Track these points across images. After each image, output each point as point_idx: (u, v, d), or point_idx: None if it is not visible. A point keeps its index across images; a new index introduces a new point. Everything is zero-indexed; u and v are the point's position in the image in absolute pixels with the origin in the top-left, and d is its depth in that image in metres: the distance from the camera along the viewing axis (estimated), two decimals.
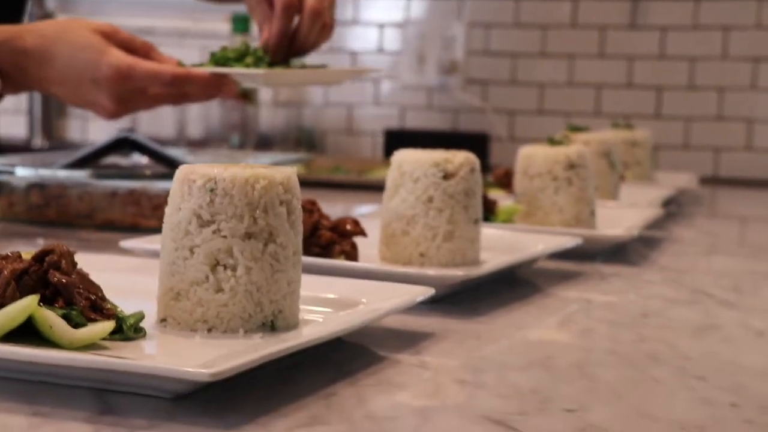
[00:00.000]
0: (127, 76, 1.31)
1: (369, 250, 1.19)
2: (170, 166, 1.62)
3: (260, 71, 1.31)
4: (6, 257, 0.79)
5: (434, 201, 1.14)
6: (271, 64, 1.37)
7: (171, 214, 0.84)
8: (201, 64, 1.35)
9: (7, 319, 0.73)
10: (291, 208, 0.84)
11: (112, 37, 1.35)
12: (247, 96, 2.88)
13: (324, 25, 1.41)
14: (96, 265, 0.87)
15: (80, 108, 1.42)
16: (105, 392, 0.71)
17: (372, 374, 0.80)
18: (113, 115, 1.36)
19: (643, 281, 1.28)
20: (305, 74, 1.40)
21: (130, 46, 1.36)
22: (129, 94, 1.33)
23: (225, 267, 0.81)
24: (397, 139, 2.84)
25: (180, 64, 1.34)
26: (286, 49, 1.40)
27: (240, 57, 1.36)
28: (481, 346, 0.92)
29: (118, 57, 1.32)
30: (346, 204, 1.96)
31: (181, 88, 1.31)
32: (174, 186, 0.84)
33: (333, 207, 1.48)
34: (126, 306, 0.82)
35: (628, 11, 2.79)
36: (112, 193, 1.46)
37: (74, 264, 0.81)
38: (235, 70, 1.31)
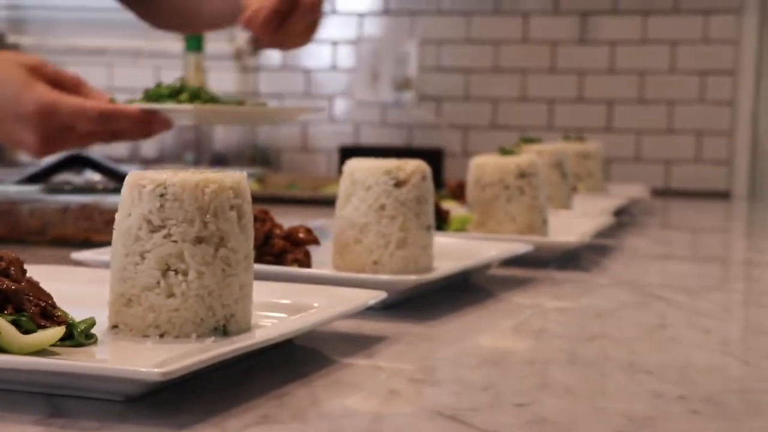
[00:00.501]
0: (51, 111, 1.24)
1: (322, 259, 1.20)
2: (121, 181, 1.61)
3: (189, 107, 1.25)
4: None
5: (386, 209, 1.14)
6: (256, 46, 1.40)
7: (121, 220, 0.84)
8: (132, 101, 1.29)
9: None
10: (241, 213, 0.84)
11: (38, 72, 1.27)
12: None
13: (313, 22, 1.39)
14: (47, 276, 0.86)
15: (7, 144, 1.37)
16: (55, 397, 0.70)
17: (325, 376, 0.80)
18: (39, 153, 1.29)
19: (596, 286, 1.29)
20: (239, 112, 1.33)
21: (58, 81, 1.28)
22: (55, 131, 1.25)
23: (176, 272, 0.81)
24: (351, 156, 2.84)
25: (112, 100, 1.28)
26: (272, 35, 1.35)
27: (174, 93, 1.29)
28: (434, 349, 0.93)
29: (42, 92, 1.24)
30: (301, 219, 1.95)
31: (109, 125, 1.24)
32: (124, 192, 0.84)
33: (288, 222, 1.49)
34: (78, 315, 0.81)
35: (578, 27, 2.82)
36: (64, 209, 1.45)
37: (24, 271, 0.80)
38: (165, 106, 1.25)
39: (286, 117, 1.45)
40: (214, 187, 0.82)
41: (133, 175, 0.84)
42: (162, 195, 0.82)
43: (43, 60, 1.31)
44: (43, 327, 0.77)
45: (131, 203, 0.83)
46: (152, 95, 1.30)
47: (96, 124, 1.23)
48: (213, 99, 1.31)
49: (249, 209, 0.85)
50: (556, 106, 2.85)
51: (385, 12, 2.95)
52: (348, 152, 2.90)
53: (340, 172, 2.95)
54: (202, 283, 0.81)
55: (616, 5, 2.79)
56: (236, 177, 0.85)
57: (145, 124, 1.25)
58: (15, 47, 3.24)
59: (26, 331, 0.75)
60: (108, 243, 1.39)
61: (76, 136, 1.27)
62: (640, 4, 2.77)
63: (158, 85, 1.32)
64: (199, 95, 1.29)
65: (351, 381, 0.80)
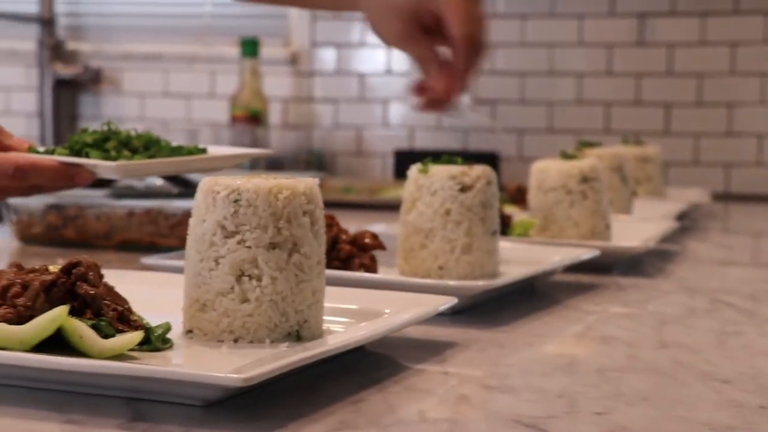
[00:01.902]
0: None
1: (388, 264, 1.20)
2: (185, 186, 1.63)
3: (112, 164, 1.12)
4: (34, 270, 0.80)
5: (452, 214, 1.14)
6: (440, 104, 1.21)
7: (195, 226, 0.85)
8: (53, 151, 1.16)
9: (37, 329, 0.73)
10: (314, 218, 0.85)
11: None
12: (257, 118, 2.89)
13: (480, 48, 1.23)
14: (120, 280, 0.87)
15: None
16: (135, 401, 0.71)
17: (398, 382, 0.80)
18: None
19: (661, 292, 1.28)
20: (168, 164, 1.18)
21: None
22: None
23: (250, 277, 0.82)
24: (407, 160, 2.84)
25: (32, 149, 1.16)
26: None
27: (100, 142, 1.17)
28: (505, 355, 0.92)
29: None
30: (359, 224, 1.96)
31: (26, 181, 1.12)
32: (198, 198, 0.85)
33: (346, 227, 1.49)
34: (151, 319, 0.82)
35: (635, 29, 2.80)
36: (130, 213, 1.46)
37: (101, 276, 0.81)
38: (85, 161, 1.13)
39: (224, 165, 1.27)
40: (288, 193, 0.83)
41: (208, 181, 0.85)
42: (236, 201, 0.82)
43: None
44: (121, 331, 0.78)
45: (205, 209, 0.84)
46: (75, 144, 1.16)
47: (11, 179, 1.12)
48: (149, 144, 1.19)
49: (321, 215, 0.86)
50: (612, 109, 2.83)
51: None
52: (403, 156, 2.90)
53: (396, 176, 2.94)
54: (275, 288, 0.82)
55: (674, 6, 2.77)
56: (309, 183, 0.85)
57: (65, 178, 1.14)
58: (74, 54, 3.28)
59: (105, 336, 0.76)
60: (173, 247, 1.41)
61: None
62: (699, 5, 2.74)
63: (83, 131, 1.18)
64: (128, 143, 1.17)
65: (424, 387, 0.80)
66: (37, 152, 1.14)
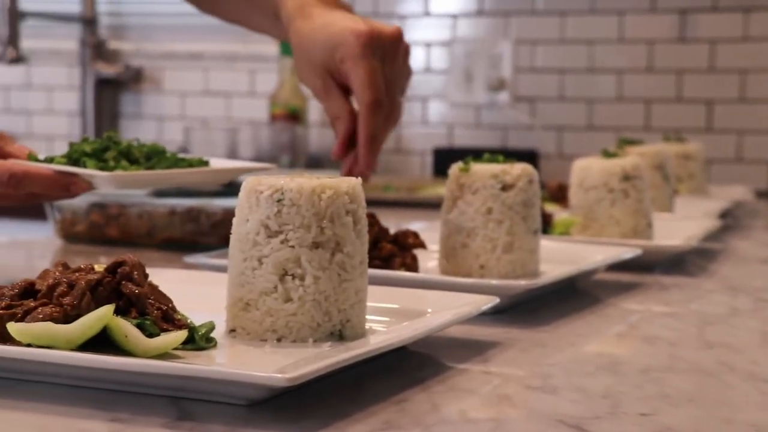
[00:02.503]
0: None
1: (428, 262, 1.20)
2: (226, 184, 1.63)
3: (107, 174, 1.09)
4: (80, 269, 0.81)
5: (493, 212, 1.14)
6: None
7: (239, 225, 0.85)
8: (52, 159, 1.14)
9: (84, 328, 0.74)
10: (357, 218, 0.85)
11: None
12: (297, 116, 2.90)
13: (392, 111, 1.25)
14: (164, 278, 0.88)
15: None
16: (180, 400, 0.71)
17: (441, 381, 0.80)
18: None
19: (704, 291, 1.27)
20: (170, 176, 1.16)
21: None
22: None
23: (293, 277, 0.82)
24: (446, 158, 2.84)
25: (31, 156, 1.13)
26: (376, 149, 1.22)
27: (99, 152, 1.14)
28: (547, 355, 0.92)
29: None
30: (398, 221, 1.96)
31: (22, 188, 1.11)
32: (241, 197, 0.85)
33: (385, 224, 1.49)
34: (194, 317, 0.83)
35: (676, 25, 2.78)
36: (171, 211, 1.47)
37: (146, 275, 0.82)
38: (81, 170, 1.11)
39: (224, 178, 1.26)
40: (331, 193, 0.83)
41: (251, 180, 0.85)
42: (279, 200, 0.83)
43: None
44: (165, 330, 0.79)
45: (249, 209, 0.84)
46: (73, 153, 1.14)
47: (6, 187, 1.10)
48: (150, 154, 1.17)
49: (364, 214, 0.86)
50: (653, 106, 2.80)
51: (479, 13, 2.94)
52: (442, 154, 2.90)
53: (434, 174, 2.93)
54: (318, 288, 0.82)
55: (717, 2, 2.74)
56: (352, 182, 0.85)
57: (61, 187, 1.12)
58: (116, 53, 3.31)
59: (150, 335, 0.77)
60: (215, 246, 1.42)
61: None
62: (741, 1, 2.72)
63: (84, 140, 1.16)
64: (128, 153, 1.15)
65: (467, 387, 0.80)
66: (37, 160, 1.12)
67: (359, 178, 0.87)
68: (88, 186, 1.12)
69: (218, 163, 1.23)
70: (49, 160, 1.13)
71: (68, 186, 1.11)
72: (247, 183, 0.85)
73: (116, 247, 1.48)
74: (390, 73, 1.23)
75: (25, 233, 1.64)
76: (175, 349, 0.77)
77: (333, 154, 1.25)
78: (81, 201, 1.51)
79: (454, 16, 2.97)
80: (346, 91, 1.24)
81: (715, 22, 2.75)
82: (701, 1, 2.75)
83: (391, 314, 0.91)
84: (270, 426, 0.68)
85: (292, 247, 0.82)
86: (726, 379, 0.84)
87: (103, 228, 1.50)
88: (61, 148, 1.16)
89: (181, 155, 1.19)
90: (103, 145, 1.14)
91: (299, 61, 1.26)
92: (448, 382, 0.80)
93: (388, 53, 1.22)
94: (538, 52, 2.90)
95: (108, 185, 1.12)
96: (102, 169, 1.10)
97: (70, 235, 1.53)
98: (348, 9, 1.30)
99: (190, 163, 1.18)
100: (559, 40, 2.88)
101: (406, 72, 1.29)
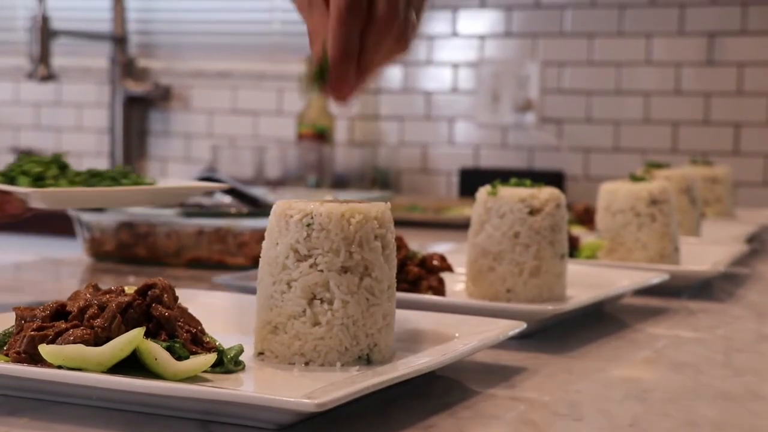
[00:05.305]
0: None
1: (455, 285, 1.20)
2: (252, 204, 1.65)
3: (37, 191, 1.06)
4: (110, 291, 0.82)
5: (521, 236, 1.14)
6: (323, 86, 0.92)
7: (268, 249, 0.86)
8: None
9: (114, 351, 0.75)
10: (385, 243, 0.85)
11: None
12: (324, 135, 2.91)
13: (398, 39, 0.94)
14: (192, 300, 0.89)
15: None
16: (208, 423, 0.72)
17: (468, 407, 0.80)
18: None
19: (732, 317, 1.26)
20: (105, 194, 1.12)
21: None
22: None
23: (322, 301, 0.83)
24: (472, 178, 2.85)
25: None
26: (348, 66, 0.91)
27: (40, 171, 1.11)
28: (574, 381, 0.92)
29: None
30: (424, 242, 1.96)
31: None
32: (271, 221, 0.86)
33: (410, 245, 1.49)
34: (222, 340, 0.83)
35: (705, 48, 2.77)
36: (199, 232, 1.48)
37: (176, 298, 0.83)
38: (12, 188, 1.08)
39: (166, 199, 1.21)
40: (360, 218, 0.83)
41: (281, 204, 0.86)
42: (309, 225, 0.83)
43: None
44: (194, 353, 0.79)
45: (279, 232, 0.85)
46: (10, 171, 1.12)
47: None
48: (95, 174, 1.14)
49: (392, 239, 0.86)
50: (680, 128, 2.80)
51: (507, 34, 2.95)
52: (468, 174, 2.90)
53: (460, 194, 2.93)
54: (347, 312, 0.83)
55: (745, 25, 2.73)
56: (381, 207, 0.86)
57: None
58: (145, 71, 3.33)
59: (179, 357, 0.77)
60: (242, 266, 1.43)
61: None
62: None
63: (25, 157, 1.15)
64: (65, 169, 1.12)
65: (494, 413, 0.80)
66: None
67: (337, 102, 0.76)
68: (22, 204, 1.08)
69: (166, 182, 1.19)
70: None
71: (2, 204, 1.09)
72: (278, 207, 0.86)
73: (144, 266, 1.49)
74: None
75: (54, 251, 1.66)
76: (204, 371, 0.78)
77: (306, 80, 0.96)
78: (110, 220, 1.52)
79: (482, 37, 2.98)
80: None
81: (743, 46, 2.74)
82: (729, 24, 2.74)
83: (418, 338, 0.92)
84: None
85: (321, 271, 0.83)
86: (752, 407, 0.83)
87: (131, 247, 1.52)
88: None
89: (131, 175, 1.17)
90: (45, 164, 1.12)
91: None
92: (474, 408, 0.80)
93: None
94: (565, 74, 2.90)
95: (40, 203, 1.09)
96: (35, 187, 1.08)
97: (98, 253, 1.54)
98: None
99: (134, 182, 1.15)
100: (587, 62, 2.88)
101: None
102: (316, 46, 0.95)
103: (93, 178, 1.14)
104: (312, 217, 0.83)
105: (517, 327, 0.93)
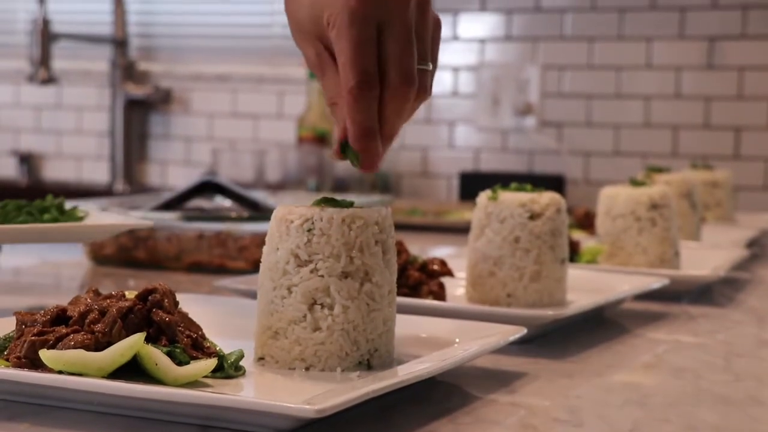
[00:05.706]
0: None
1: (455, 290, 1.20)
2: (253, 208, 1.65)
3: None
4: (111, 296, 0.82)
5: (521, 241, 1.14)
6: (351, 158, 0.88)
7: (269, 254, 0.86)
8: None
9: (115, 356, 0.75)
10: (386, 248, 0.85)
11: None
12: (324, 139, 2.91)
13: (418, 95, 0.89)
14: (192, 305, 0.89)
15: None
16: (209, 428, 0.72)
17: (468, 413, 0.80)
18: None
19: (732, 321, 1.26)
20: (29, 231, 1.10)
21: None
22: None
23: (322, 306, 0.83)
24: (472, 182, 2.85)
25: None
26: (373, 142, 0.87)
27: None
28: (574, 386, 0.92)
29: None
30: (424, 246, 1.96)
31: None
32: (271, 226, 0.86)
33: (411, 249, 1.49)
34: (222, 345, 0.83)
35: (705, 52, 2.77)
36: (199, 235, 1.48)
37: (176, 303, 0.83)
38: None
39: (97, 235, 1.19)
40: (360, 223, 0.84)
41: (281, 209, 0.86)
42: (309, 230, 0.83)
43: None
44: (195, 358, 0.79)
45: (279, 237, 0.85)
46: None
47: None
48: (18, 207, 1.14)
49: (393, 244, 0.86)
50: (680, 132, 2.80)
51: (507, 38, 2.95)
52: (468, 178, 2.90)
53: (460, 198, 2.92)
54: (347, 317, 0.83)
55: (746, 30, 2.74)
56: (381, 212, 0.86)
57: None
58: (145, 74, 3.33)
59: (180, 363, 0.77)
60: (242, 270, 1.43)
61: None
62: None
63: None
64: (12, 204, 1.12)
65: (494, 418, 0.80)
66: None
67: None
68: None
69: (97, 219, 1.19)
70: None
71: None
72: (278, 212, 0.86)
73: (144, 270, 1.49)
74: (396, 43, 0.88)
75: (54, 255, 1.66)
76: (205, 377, 0.78)
77: (333, 153, 0.94)
78: None
79: (482, 41, 2.98)
80: None
81: (743, 50, 2.74)
82: (730, 28, 2.75)
83: (418, 343, 0.92)
84: None
85: (322, 276, 0.83)
86: (753, 412, 0.83)
87: (131, 251, 1.52)
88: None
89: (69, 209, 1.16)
90: None
91: (290, 24, 0.96)
92: (474, 413, 0.80)
93: (394, 14, 0.88)
94: (565, 78, 2.90)
95: None
96: None
97: (99, 257, 1.54)
98: None
99: (55, 219, 1.13)
100: (587, 66, 2.88)
101: (428, 30, 0.93)
102: (336, 113, 0.91)
103: (12, 212, 1.12)
104: (312, 223, 0.83)
105: (518, 332, 0.93)
